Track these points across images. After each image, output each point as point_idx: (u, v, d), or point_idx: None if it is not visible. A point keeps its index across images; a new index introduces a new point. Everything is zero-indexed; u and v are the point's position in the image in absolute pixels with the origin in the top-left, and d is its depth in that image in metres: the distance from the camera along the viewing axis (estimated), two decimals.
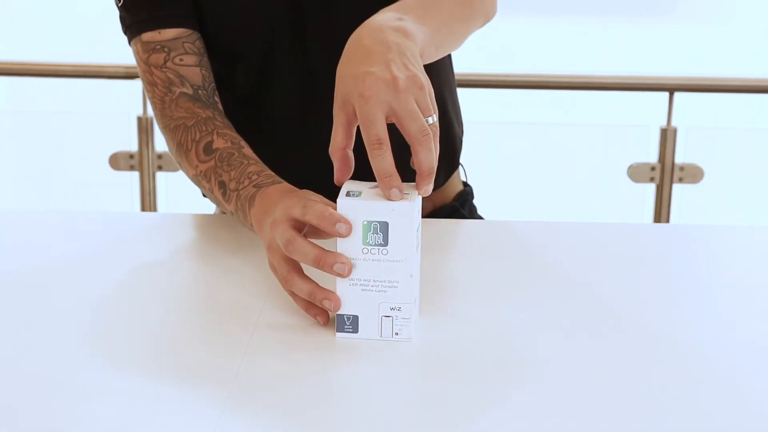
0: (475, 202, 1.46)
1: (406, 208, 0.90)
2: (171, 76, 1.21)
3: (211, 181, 1.13)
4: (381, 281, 0.91)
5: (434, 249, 1.15)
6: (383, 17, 1.01)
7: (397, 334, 0.93)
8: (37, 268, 1.12)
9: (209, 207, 1.41)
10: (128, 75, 2.75)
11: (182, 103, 1.20)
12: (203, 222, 1.30)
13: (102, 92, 3.39)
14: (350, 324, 0.93)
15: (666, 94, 2.76)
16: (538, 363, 0.90)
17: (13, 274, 1.10)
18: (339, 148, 0.94)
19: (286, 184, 1.06)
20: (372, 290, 0.92)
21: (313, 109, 1.27)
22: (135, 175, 2.86)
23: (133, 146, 2.83)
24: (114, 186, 2.97)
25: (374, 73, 0.92)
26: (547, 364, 0.89)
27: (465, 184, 1.45)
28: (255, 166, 1.10)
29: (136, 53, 1.24)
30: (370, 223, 0.90)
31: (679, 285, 1.11)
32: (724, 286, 1.11)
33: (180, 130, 1.18)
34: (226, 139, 1.15)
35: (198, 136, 1.16)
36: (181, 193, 2.81)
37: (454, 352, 0.92)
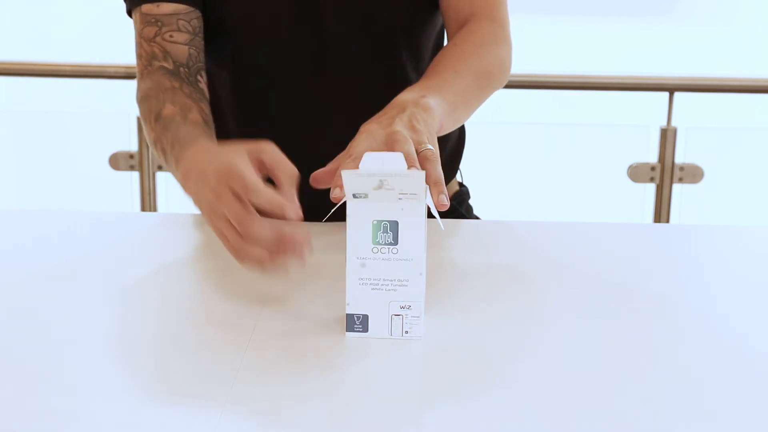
0: (476, 202, 1.46)
1: (415, 207, 0.90)
2: (156, 50, 1.21)
3: (158, 150, 1.12)
4: (391, 280, 0.92)
5: (434, 248, 1.15)
6: (407, 96, 1.06)
7: (407, 332, 0.93)
8: (36, 268, 1.12)
9: None
10: (128, 75, 2.75)
11: (156, 76, 1.20)
12: (203, 222, 1.30)
13: (102, 92, 3.39)
14: (360, 323, 0.93)
15: (666, 94, 2.76)
16: (544, 360, 0.90)
17: (12, 274, 1.10)
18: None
19: (210, 141, 1.05)
20: (382, 289, 0.92)
21: (322, 99, 1.28)
22: (135, 175, 2.86)
23: (133, 146, 2.83)
24: (114, 186, 2.97)
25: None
26: (552, 362, 0.89)
27: (461, 184, 1.45)
28: (191, 128, 1.09)
29: (135, 23, 1.24)
30: (380, 222, 0.90)
31: (679, 285, 1.11)
32: (724, 286, 1.11)
33: (144, 102, 1.18)
34: (176, 105, 1.14)
35: (155, 106, 1.15)
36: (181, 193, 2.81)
37: (464, 350, 0.92)
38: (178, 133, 1.08)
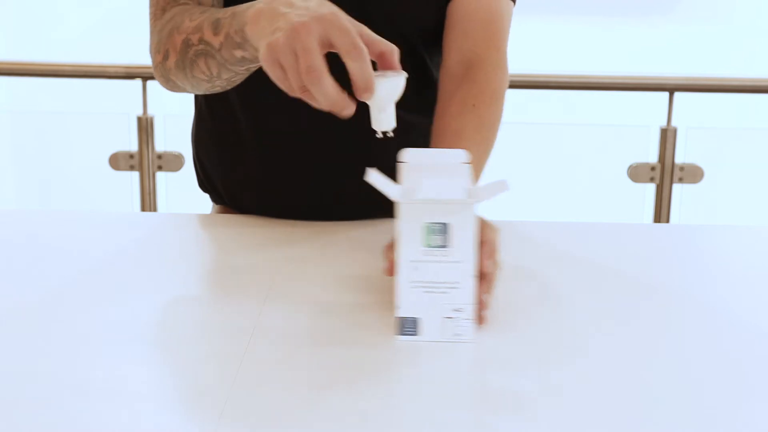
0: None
1: (466, 209, 0.89)
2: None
3: (203, 28, 1.09)
4: (443, 282, 0.91)
5: None
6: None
7: (457, 335, 0.92)
8: (35, 268, 1.12)
9: (209, 207, 1.41)
10: (128, 75, 2.75)
11: (180, 7, 1.18)
12: (203, 222, 1.30)
13: (102, 92, 3.39)
14: (411, 326, 0.92)
15: (666, 94, 2.76)
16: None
17: (12, 274, 1.10)
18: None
19: None
20: (434, 292, 0.91)
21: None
22: (135, 175, 2.86)
23: (133, 146, 2.84)
24: (114, 186, 2.97)
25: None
26: (554, 362, 0.89)
27: None
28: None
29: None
30: (431, 224, 0.90)
31: (679, 285, 1.11)
32: (724, 286, 1.11)
33: (168, 23, 1.16)
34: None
35: (183, 15, 1.14)
36: (181, 193, 2.81)
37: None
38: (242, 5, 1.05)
